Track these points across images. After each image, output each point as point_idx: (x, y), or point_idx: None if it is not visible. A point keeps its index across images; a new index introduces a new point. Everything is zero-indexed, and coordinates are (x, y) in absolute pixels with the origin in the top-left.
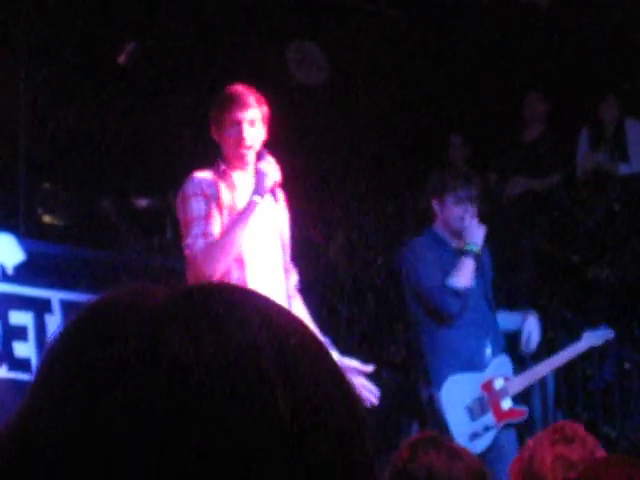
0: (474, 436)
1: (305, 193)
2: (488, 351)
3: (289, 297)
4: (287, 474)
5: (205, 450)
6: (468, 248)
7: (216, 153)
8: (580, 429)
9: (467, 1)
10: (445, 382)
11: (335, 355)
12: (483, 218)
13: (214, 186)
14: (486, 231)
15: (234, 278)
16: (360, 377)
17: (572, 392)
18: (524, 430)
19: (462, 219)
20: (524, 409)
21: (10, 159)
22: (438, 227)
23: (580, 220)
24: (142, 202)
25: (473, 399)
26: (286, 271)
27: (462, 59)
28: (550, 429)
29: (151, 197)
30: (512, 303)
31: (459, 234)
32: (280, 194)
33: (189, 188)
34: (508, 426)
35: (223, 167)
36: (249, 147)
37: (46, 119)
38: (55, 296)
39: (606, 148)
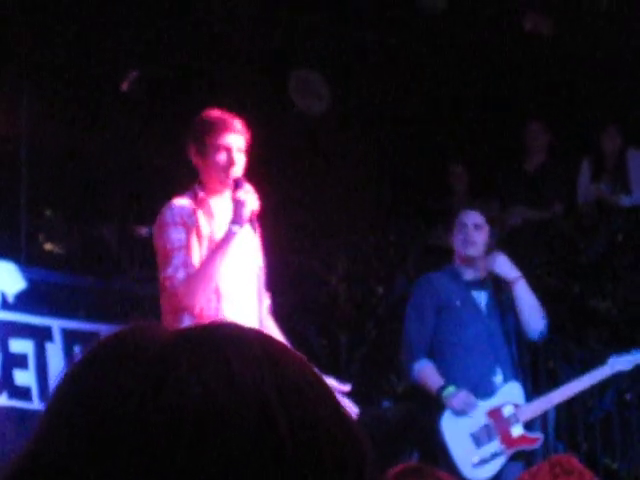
0: (481, 463)
1: (306, 222)
2: (498, 378)
3: (261, 321)
4: None
5: None
6: None
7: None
8: (576, 462)
9: (470, 29)
10: (447, 411)
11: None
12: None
13: (193, 215)
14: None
15: (212, 308)
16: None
17: (572, 422)
18: (526, 461)
19: (464, 244)
20: (537, 436)
21: (11, 186)
22: (456, 261)
23: (581, 251)
24: (143, 230)
25: (478, 426)
26: (259, 298)
27: (465, 87)
28: (548, 464)
29: (150, 225)
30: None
31: (470, 262)
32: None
33: (168, 216)
34: (515, 458)
35: (201, 194)
36: (237, 183)
37: (47, 147)
38: (56, 324)
39: (607, 179)
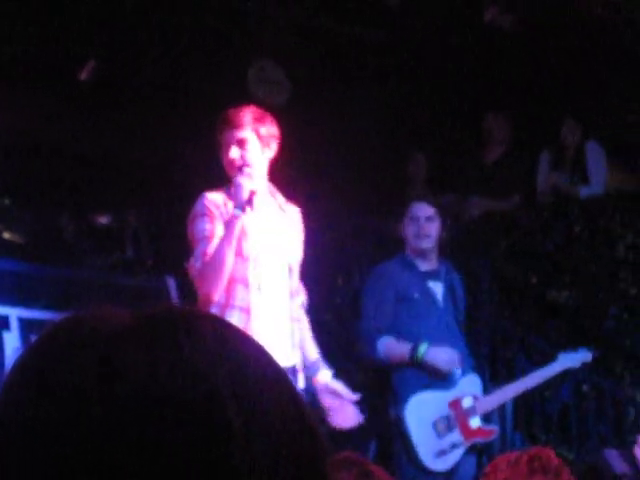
0: (440, 453)
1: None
2: (457, 370)
3: (293, 319)
4: None
5: (155, 474)
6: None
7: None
8: (554, 457)
9: (430, 21)
10: (410, 400)
11: (327, 375)
12: (445, 237)
13: (223, 207)
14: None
15: (239, 298)
16: (344, 400)
17: (530, 414)
18: (482, 452)
19: (417, 236)
20: (493, 428)
21: None
22: (408, 251)
23: (539, 242)
24: (102, 219)
25: (439, 417)
26: (292, 294)
27: (425, 78)
28: (527, 456)
29: (111, 214)
30: (472, 324)
31: (424, 254)
32: (292, 208)
33: (197, 208)
34: (470, 450)
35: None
36: (241, 169)
37: (5, 136)
38: (13, 313)
39: (566, 170)
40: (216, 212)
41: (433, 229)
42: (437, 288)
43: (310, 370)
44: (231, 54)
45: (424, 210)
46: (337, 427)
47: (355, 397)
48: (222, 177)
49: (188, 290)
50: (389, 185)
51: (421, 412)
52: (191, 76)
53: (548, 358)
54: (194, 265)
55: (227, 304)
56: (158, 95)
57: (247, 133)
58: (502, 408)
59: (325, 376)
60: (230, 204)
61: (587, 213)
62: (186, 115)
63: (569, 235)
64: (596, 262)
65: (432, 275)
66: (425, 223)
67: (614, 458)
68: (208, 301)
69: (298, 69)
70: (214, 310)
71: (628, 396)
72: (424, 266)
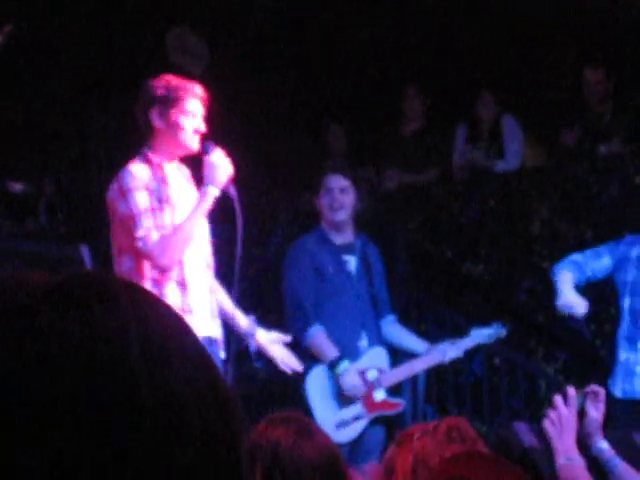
0: (342, 424)
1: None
2: (363, 342)
3: (211, 291)
4: (150, 463)
5: (63, 439)
6: None
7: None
8: (470, 428)
9: None
10: (312, 371)
11: (263, 332)
12: (360, 210)
13: (152, 179)
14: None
15: (175, 272)
16: (283, 348)
17: (442, 387)
18: (393, 424)
19: (331, 208)
20: (399, 401)
21: None
22: (324, 225)
23: (455, 215)
24: (16, 187)
25: (345, 389)
26: (208, 266)
27: (343, 51)
28: (445, 425)
29: (26, 182)
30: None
31: (339, 227)
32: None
33: (129, 181)
34: (377, 421)
35: (156, 159)
36: (203, 144)
37: None
38: None
39: (482, 144)
40: (150, 185)
41: (347, 200)
42: (351, 262)
43: (249, 334)
44: (149, 22)
45: (338, 182)
46: (293, 371)
47: (288, 338)
48: (136, 147)
49: (101, 259)
50: (308, 157)
51: (324, 383)
52: (108, 44)
53: (462, 331)
54: (147, 237)
55: (163, 277)
56: (75, 63)
57: (202, 106)
58: (414, 381)
59: (262, 333)
60: (157, 178)
61: (502, 187)
62: (103, 84)
63: (484, 209)
64: (511, 236)
65: (347, 249)
66: (339, 195)
67: (523, 431)
68: (164, 272)
69: (218, 38)
70: (150, 283)
71: (540, 370)
72: (339, 239)
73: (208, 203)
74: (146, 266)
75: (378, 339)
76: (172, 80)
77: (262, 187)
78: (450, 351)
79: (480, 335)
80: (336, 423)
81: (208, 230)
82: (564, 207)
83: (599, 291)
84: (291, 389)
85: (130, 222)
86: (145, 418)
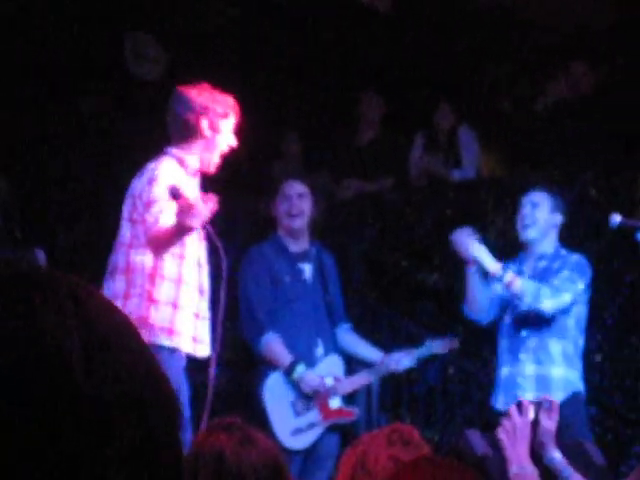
0: (297, 432)
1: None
2: (319, 350)
3: None
4: (86, 448)
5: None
6: None
7: None
8: (417, 434)
9: (306, 2)
10: (269, 377)
11: None
12: (316, 217)
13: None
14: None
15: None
16: None
17: (396, 395)
18: (347, 433)
19: (288, 215)
20: (353, 410)
21: None
22: (280, 232)
23: (411, 224)
24: None
25: (298, 395)
26: None
27: (301, 57)
28: (388, 429)
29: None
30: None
31: (296, 234)
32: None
33: (157, 174)
34: (332, 429)
35: (192, 163)
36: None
37: None
38: None
39: (439, 154)
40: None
41: (305, 207)
42: (307, 270)
43: None
44: (105, 27)
45: (296, 188)
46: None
47: None
48: (88, 148)
49: (56, 262)
50: (263, 164)
51: (280, 390)
52: (64, 48)
53: (416, 341)
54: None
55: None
56: (29, 65)
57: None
58: (368, 389)
59: None
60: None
61: (459, 197)
62: (56, 83)
63: (440, 218)
64: None
65: (302, 256)
66: (297, 201)
67: (476, 439)
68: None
69: (175, 44)
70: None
71: (493, 379)
72: (295, 247)
73: (177, 240)
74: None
75: (334, 347)
76: (220, 95)
77: (220, 190)
78: (404, 360)
79: (434, 345)
80: (292, 430)
81: (206, 256)
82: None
83: None
84: (247, 396)
85: (146, 209)
86: (81, 406)
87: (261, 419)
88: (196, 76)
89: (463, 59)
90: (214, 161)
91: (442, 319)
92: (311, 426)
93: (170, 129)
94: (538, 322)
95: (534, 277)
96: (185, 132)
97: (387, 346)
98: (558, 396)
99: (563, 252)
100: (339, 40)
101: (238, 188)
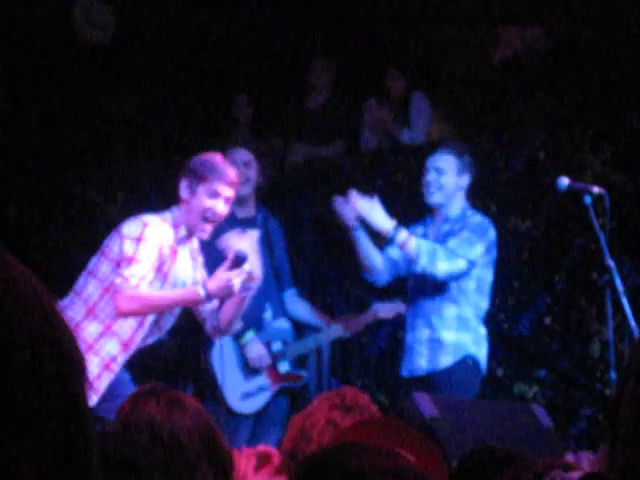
0: (247, 396)
1: (86, 154)
2: (267, 314)
3: None
4: None
5: None
6: None
7: None
8: (363, 398)
9: None
10: (217, 342)
11: None
12: (263, 183)
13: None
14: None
15: None
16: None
17: (347, 359)
18: (298, 397)
19: None
20: (302, 374)
21: None
22: None
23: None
24: None
25: (247, 360)
26: None
27: (251, 20)
28: (334, 393)
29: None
30: (293, 271)
31: (242, 201)
32: None
33: (145, 231)
34: (282, 393)
35: (182, 227)
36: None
37: None
38: None
39: (391, 117)
40: (159, 242)
41: (251, 174)
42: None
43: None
44: None
45: (241, 155)
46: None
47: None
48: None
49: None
50: (213, 128)
51: (229, 355)
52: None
53: (366, 306)
54: (126, 279)
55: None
56: None
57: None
58: (319, 353)
59: None
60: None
61: (409, 161)
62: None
63: (390, 182)
64: (416, 209)
65: (249, 222)
66: (243, 168)
67: (423, 401)
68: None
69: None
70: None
71: None
72: (241, 213)
73: (190, 301)
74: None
75: (282, 312)
76: (210, 157)
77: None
78: (351, 325)
79: (381, 310)
80: (241, 394)
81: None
82: None
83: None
84: (196, 361)
85: (124, 260)
86: None
87: (211, 384)
88: (145, 40)
89: (415, 23)
90: (199, 227)
91: (394, 284)
92: (260, 390)
93: None
94: (433, 286)
95: (437, 241)
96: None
97: (338, 311)
98: (447, 361)
99: (469, 213)
100: (290, 3)
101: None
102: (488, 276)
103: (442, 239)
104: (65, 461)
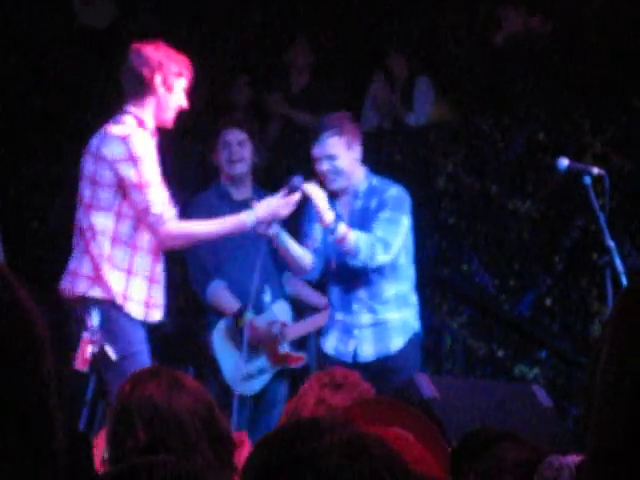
0: (248, 377)
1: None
2: (267, 296)
3: None
4: None
5: None
6: None
7: None
8: (353, 376)
9: None
10: (219, 324)
11: None
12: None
13: (154, 150)
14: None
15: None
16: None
17: None
18: (298, 378)
19: (229, 162)
20: (302, 355)
21: None
22: (223, 180)
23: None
24: None
25: (247, 342)
26: None
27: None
28: (324, 372)
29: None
30: None
31: (238, 181)
32: None
33: (139, 148)
34: (282, 375)
35: (149, 125)
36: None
37: None
38: None
39: (398, 98)
40: (153, 155)
41: (245, 153)
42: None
43: None
44: None
45: (235, 135)
46: None
47: None
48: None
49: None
50: (214, 110)
51: (229, 337)
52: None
53: None
54: (160, 216)
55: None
56: None
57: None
58: (319, 334)
59: None
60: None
61: (408, 142)
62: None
63: (390, 164)
64: (417, 191)
65: (246, 204)
66: (237, 148)
67: (423, 382)
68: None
69: None
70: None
71: (445, 325)
72: (238, 194)
73: (237, 229)
74: (142, 239)
75: (281, 293)
76: (175, 54)
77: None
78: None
79: None
80: (242, 376)
81: None
82: (470, 162)
83: (501, 248)
84: (196, 342)
85: (138, 191)
86: None
87: (211, 366)
88: (144, 27)
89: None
90: (168, 119)
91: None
92: (260, 372)
93: (125, 85)
94: (368, 270)
95: (352, 219)
96: (139, 88)
97: None
98: (398, 343)
99: (375, 182)
100: None
101: (192, 137)
102: (411, 243)
103: (359, 216)
104: (22, 429)
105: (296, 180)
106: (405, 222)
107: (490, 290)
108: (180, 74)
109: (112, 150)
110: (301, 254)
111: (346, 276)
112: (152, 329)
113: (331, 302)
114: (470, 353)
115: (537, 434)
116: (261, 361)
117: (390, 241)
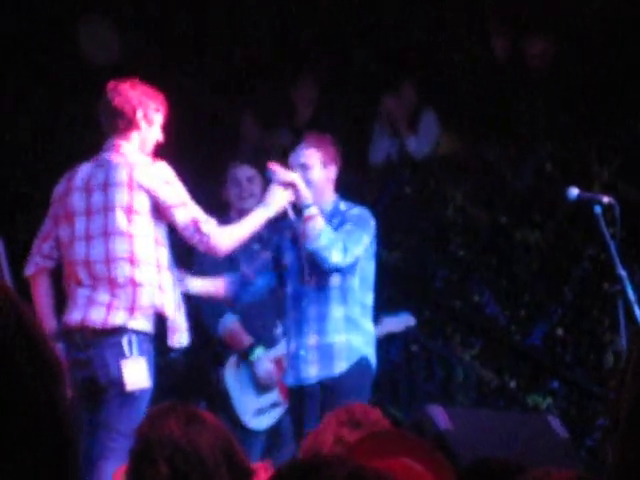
0: (259, 412)
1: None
2: (278, 330)
3: None
4: None
5: None
6: None
7: None
8: (374, 413)
9: None
10: (230, 359)
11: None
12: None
13: None
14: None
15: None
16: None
17: None
18: None
19: (240, 198)
20: None
21: None
22: (233, 215)
23: (369, 202)
24: None
25: (258, 376)
26: None
27: (248, 43)
28: (343, 409)
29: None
30: None
31: (246, 214)
32: None
33: (169, 173)
34: None
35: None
36: None
37: None
38: None
39: (405, 115)
40: None
41: (255, 189)
42: (261, 252)
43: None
44: (60, 9)
45: (244, 172)
46: None
47: None
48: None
49: (16, 250)
50: (222, 147)
51: (241, 371)
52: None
53: (377, 320)
54: (209, 233)
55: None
56: None
57: None
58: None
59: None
60: None
61: (417, 174)
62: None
63: (399, 195)
64: (424, 224)
65: (257, 238)
66: (247, 184)
67: (438, 414)
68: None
69: (129, 27)
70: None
71: (456, 356)
72: None
73: (264, 219)
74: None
75: None
76: (151, 90)
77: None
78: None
79: (390, 323)
80: (254, 411)
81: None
82: (478, 193)
83: (511, 279)
84: (209, 379)
85: (181, 210)
86: None
87: (223, 401)
88: (147, 64)
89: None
90: (150, 151)
91: (403, 298)
92: (273, 406)
93: (105, 121)
94: (317, 289)
95: None
96: (122, 124)
97: None
98: (342, 366)
99: (342, 206)
100: (279, 18)
101: (203, 174)
102: (370, 269)
103: None
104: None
105: (269, 173)
106: (365, 240)
107: (501, 321)
108: (158, 109)
109: (146, 176)
110: (213, 290)
111: (297, 297)
112: (165, 366)
113: (286, 330)
114: (482, 384)
115: (553, 464)
116: (273, 395)
117: (349, 247)
